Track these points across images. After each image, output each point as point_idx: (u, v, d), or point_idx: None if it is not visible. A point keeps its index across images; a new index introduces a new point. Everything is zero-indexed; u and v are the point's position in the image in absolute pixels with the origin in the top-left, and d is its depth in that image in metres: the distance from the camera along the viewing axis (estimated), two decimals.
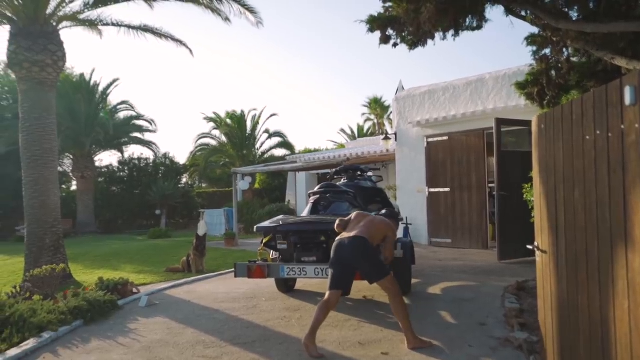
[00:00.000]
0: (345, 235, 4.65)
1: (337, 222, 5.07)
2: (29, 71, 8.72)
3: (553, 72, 6.23)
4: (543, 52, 6.28)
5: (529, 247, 3.57)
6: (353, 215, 5.06)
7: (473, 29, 5.79)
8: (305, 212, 7.17)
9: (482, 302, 5.99)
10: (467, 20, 5.70)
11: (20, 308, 5.37)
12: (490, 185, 10.55)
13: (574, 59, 6.02)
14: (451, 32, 5.72)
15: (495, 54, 71.28)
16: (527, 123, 8.65)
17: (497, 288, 6.64)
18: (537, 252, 3.42)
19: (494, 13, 9.92)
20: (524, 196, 7.09)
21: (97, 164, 26.98)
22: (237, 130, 27.48)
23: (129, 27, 10.76)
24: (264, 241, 6.30)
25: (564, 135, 2.88)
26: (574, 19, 5.32)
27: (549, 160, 3.12)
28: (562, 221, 2.93)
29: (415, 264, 7.39)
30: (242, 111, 28.03)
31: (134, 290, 7.25)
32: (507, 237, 8.72)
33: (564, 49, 5.92)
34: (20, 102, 8.94)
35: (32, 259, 8.55)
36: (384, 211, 5.72)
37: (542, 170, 3.29)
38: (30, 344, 4.76)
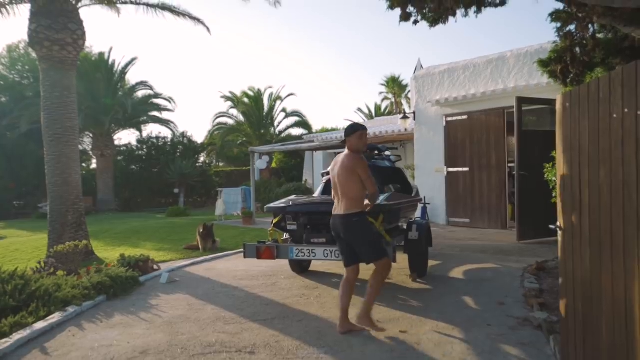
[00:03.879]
0: (336, 210, 4.41)
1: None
2: (50, 50, 8.77)
3: (577, 49, 6.09)
4: (567, 29, 6.14)
5: (551, 227, 3.53)
6: (331, 174, 4.57)
7: (496, 5, 5.67)
8: (317, 193, 7.13)
9: (501, 282, 5.98)
10: None
11: (46, 283, 5.50)
12: (510, 165, 10.44)
13: (600, 36, 5.88)
14: (473, 8, 5.61)
15: (514, 36, 69.81)
16: (549, 102, 8.54)
17: (516, 268, 6.62)
18: (559, 232, 3.39)
19: None
20: (545, 176, 7.01)
21: (116, 142, 27.25)
22: (254, 109, 27.46)
23: (147, 5, 10.80)
24: (273, 222, 6.17)
25: (589, 113, 2.82)
26: None
27: (574, 139, 3.07)
28: (586, 201, 2.89)
29: (433, 246, 7.30)
30: (259, 89, 27.98)
31: (155, 267, 7.38)
32: (527, 217, 8.66)
33: (590, 25, 5.77)
34: (41, 81, 9.03)
35: (56, 235, 8.72)
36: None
37: (566, 150, 3.23)
38: (55, 317, 4.88)
